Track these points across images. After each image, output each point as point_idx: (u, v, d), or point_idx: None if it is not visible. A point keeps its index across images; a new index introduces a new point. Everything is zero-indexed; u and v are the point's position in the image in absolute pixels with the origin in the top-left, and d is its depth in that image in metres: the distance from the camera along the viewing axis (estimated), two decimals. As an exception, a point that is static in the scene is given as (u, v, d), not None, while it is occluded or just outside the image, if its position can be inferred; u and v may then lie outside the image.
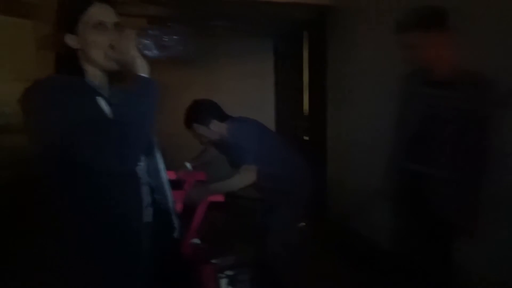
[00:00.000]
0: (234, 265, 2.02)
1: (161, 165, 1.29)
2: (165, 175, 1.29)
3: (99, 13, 1.10)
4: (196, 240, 2.03)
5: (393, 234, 2.11)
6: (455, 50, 1.71)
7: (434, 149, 1.76)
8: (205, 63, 4.89)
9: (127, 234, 1.12)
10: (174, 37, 1.07)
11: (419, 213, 1.84)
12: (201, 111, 2.19)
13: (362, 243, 3.03)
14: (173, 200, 1.32)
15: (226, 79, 4.71)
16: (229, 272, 1.98)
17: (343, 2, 3.31)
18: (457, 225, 1.74)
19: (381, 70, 2.73)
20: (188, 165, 2.43)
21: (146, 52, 1.07)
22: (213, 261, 1.99)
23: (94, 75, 1.15)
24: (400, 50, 1.75)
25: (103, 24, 1.10)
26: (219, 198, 2.11)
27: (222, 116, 2.22)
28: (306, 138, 4.02)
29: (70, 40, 1.11)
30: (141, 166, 1.19)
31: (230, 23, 3.92)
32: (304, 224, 3.69)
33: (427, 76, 1.78)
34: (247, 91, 4.68)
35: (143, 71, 1.07)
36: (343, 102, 3.40)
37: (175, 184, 2.19)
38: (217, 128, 2.18)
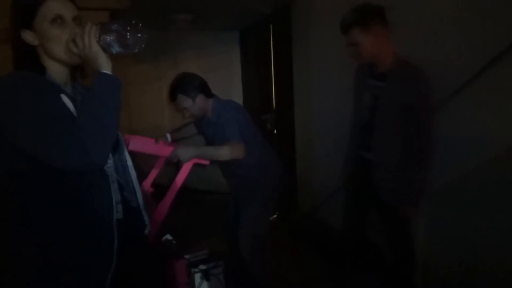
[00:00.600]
0: (207, 259, 2.02)
1: (129, 162, 1.28)
2: (134, 172, 1.28)
3: (57, 6, 1.06)
4: (168, 236, 2.01)
5: (344, 219, 2.26)
6: (393, 44, 1.86)
7: (379, 137, 1.91)
8: (171, 57, 4.81)
9: (99, 231, 1.11)
10: (138, 34, 1.04)
11: (368, 197, 2.01)
12: (189, 83, 2.14)
13: (331, 234, 3.10)
14: (142, 197, 1.31)
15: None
16: (202, 266, 1.97)
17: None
18: (398, 208, 1.88)
19: (345, 63, 2.77)
20: (168, 136, 2.38)
21: (108, 48, 1.04)
22: (186, 256, 1.98)
23: (56, 71, 1.11)
24: (346, 47, 1.89)
25: (61, 18, 1.06)
26: (205, 162, 2.02)
27: (209, 93, 2.20)
28: (274, 131, 4.06)
29: (28, 36, 1.06)
30: (109, 163, 1.17)
31: (194, 17, 3.86)
32: (275, 216, 3.74)
33: (372, 69, 1.94)
34: (215, 84, 4.63)
35: (106, 67, 1.04)
36: (309, 95, 3.45)
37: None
38: (202, 103, 2.15)
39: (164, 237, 2.00)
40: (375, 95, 1.92)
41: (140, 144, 1.80)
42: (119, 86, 1.06)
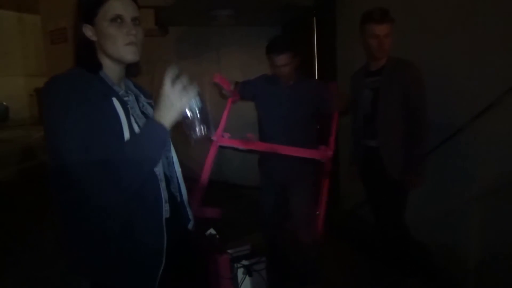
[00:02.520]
0: (250, 255, 2.01)
1: (175, 158, 1.29)
2: (179, 168, 1.29)
3: (118, 6, 1.09)
4: (212, 230, 2.03)
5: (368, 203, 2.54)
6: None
7: (382, 123, 2.17)
8: (214, 53, 4.85)
9: (149, 230, 1.12)
10: (203, 134, 1.06)
11: (376, 178, 2.27)
12: (295, 44, 2.27)
13: (375, 232, 3.02)
14: (187, 193, 1.32)
15: (235, 68, 4.68)
16: (245, 262, 1.97)
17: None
18: (404, 181, 2.13)
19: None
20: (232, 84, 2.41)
21: (185, 115, 1.04)
22: (229, 251, 1.99)
23: (110, 68, 1.14)
24: (372, 39, 2.11)
25: (121, 18, 1.09)
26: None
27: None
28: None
29: (88, 30, 1.10)
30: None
31: (236, 12, 3.86)
32: (318, 213, 3.68)
33: (366, 70, 2.28)
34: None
35: (167, 121, 1.04)
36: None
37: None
38: (295, 67, 2.24)
39: (208, 231, 2.02)
40: (375, 89, 2.19)
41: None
42: (167, 140, 1.09)
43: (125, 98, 1.14)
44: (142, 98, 1.26)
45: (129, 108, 1.12)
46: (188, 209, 1.33)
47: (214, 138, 2.23)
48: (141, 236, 1.10)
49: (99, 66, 1.12)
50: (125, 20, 1.09)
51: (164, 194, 1.16)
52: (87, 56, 1.11)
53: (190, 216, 1.34)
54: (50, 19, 7.29)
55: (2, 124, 10.76)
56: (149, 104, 1.27)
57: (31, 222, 3.72)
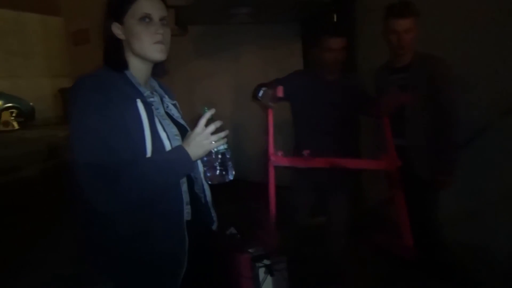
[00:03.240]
0: (270, 254, 2.00)
1: None
2: (201, 168, 1.28)
3: (147, 5, 1.10)
4: (233, 229, 2.02)
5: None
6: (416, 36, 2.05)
7: (411, 121, 2.10)
8: (232, 51, 4.84)
9: (169, 234, 1.13)
10: (220, 178, 1.11)
11: (404, 178, 2.11)
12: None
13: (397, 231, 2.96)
14: (210, 193, 1.32)
15: (253, 66, 4.66)
16: (266, 261, 1.96)
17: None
18: (434, 181, 2.07)
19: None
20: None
21: (210, 152, 1.10)
22: (250, 250, 1.98)
23: (137, 68, 1.15)
24: (392, 34, 2.04)
25: (149, 17, 1.10)
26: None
27: None
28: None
29: (116, 29, 1.12)
30: None
31: (254, 9, 3.84)
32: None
33: (391, 66, 2.20)
34: (276, 77, 4.61)
35: (194, 154, 1.07)
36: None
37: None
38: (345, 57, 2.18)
39: (229, 231, 2.02)
40: (402, 86, 2.09)
41: None
42: (189, 172, 1.13)
43: (150, 99, 1.14)
44: (167, 99, 1.26)
45: (153, 109, 1.12)
46: (212, 210, 1.32)
47: (272, 158, 2.05)
48: (162, 240, 1.10)
49: (125, 65, 1.13)
50: (153, 19, 1.11)
51: (185, 197, 1.16)
52: (114, 54, 1.12)
53: (214, 218, 1.34)
54: (72, 21, 7.45)
55: (29, 123, 11.08)
56: (174, 105, 1.27)
57: (55, 220, 3.80)
